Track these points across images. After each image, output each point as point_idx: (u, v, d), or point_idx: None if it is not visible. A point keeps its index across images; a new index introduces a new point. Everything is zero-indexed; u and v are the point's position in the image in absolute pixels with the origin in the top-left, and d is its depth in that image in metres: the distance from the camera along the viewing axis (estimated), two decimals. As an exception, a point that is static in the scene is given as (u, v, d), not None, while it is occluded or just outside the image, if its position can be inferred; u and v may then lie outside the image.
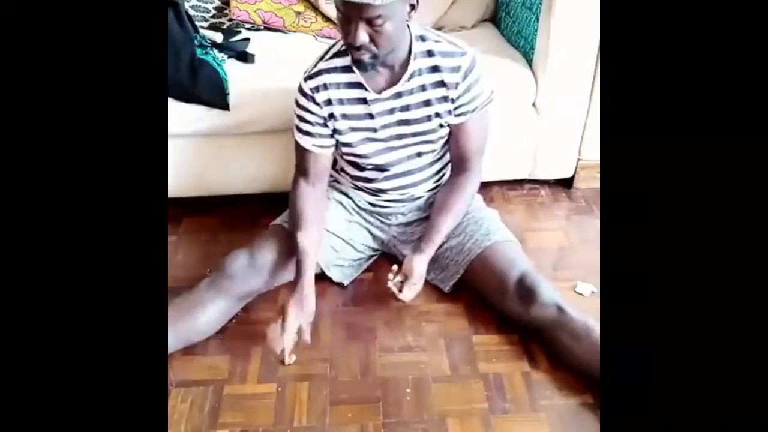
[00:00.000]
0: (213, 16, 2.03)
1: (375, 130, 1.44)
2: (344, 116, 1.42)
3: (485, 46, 1.91)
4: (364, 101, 1.41)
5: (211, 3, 2.01)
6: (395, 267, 1.46)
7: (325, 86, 1.40)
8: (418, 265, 1.44)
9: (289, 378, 1.38)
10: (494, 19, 2.16)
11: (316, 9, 2.02)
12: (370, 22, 1.23)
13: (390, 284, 1.44)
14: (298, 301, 1.36)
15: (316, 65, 1.42)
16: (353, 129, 1.44)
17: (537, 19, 1.80)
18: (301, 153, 1.49)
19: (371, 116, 1.43)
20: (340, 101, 1.41)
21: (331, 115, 1.42)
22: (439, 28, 2.09)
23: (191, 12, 1.96)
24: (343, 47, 1.38)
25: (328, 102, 1.41)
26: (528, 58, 1.88)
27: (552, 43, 1.74)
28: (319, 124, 1.44)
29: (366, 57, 1.29)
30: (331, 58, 1.41)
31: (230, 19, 2.00)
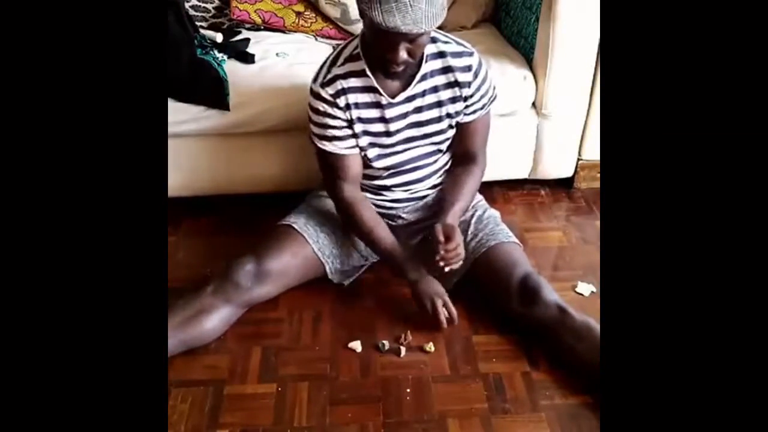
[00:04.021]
0: (213, 16, 2.03)
1: (388, 135, 1.44)
2: (360, 119, 1.42)
3: (485, 46, 1.91)
4: (378, 105, 1.41)
5: (211, 3, 2.01)
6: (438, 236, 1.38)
7: (344, 91, 1.39)
8: (452, 224, 1.41)
9: (289, 378, 1.38)
10: (494, 19, 2.16)
11: (316, 9, 2.02)
12: (411, 41, 1.24)
13: (440, 255, 1.38)
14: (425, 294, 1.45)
15: (329, 71, 1.40)
16: (366, 132, 1.44)
17: (537, 19, 1.80)
18: (333, 160, 1.45)
19: (385, 120, 1.42)
20: (357, 105, 1.40)
21: (351, 119, 1.41)
22: (440, 28, 2.08)
23: (191, 12, 1.96)
24: (356, 52, 1.38)
25: (348, 106, 1.40)
26: (528, 58, 1.88)
27: (552, 43, 1.74)
28: (344, 127, 1.42)
29: (401, 69, 1.31)
30: (343, 63, 1.39)
31: (230, 19, 2.00)
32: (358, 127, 1.42)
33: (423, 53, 1.37)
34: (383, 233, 1.48)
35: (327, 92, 1.39)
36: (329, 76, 1.39)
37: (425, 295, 1.44)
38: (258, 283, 1.46)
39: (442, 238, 1.37)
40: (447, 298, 1.45)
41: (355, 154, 1.46)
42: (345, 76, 1.39)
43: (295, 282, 1.55)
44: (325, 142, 1.43)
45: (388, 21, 1.17)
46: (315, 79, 1.42)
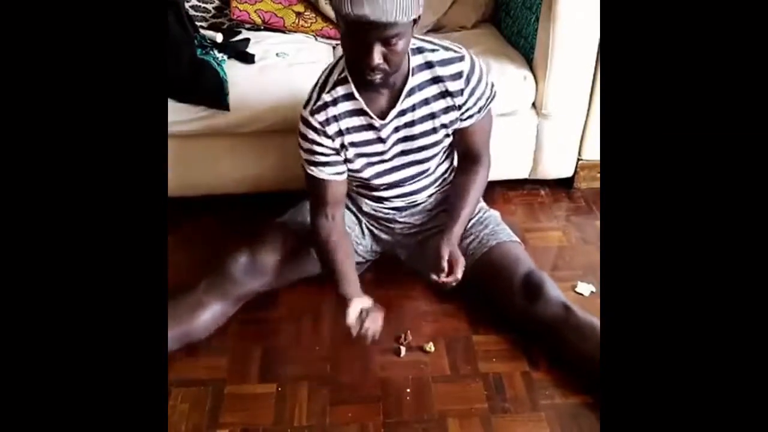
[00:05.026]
0: (213, 16, 2.03)
1: (385, 152, 1.43)
2: (352, 144, 1.40)
3: (485, 46, 1.91)
4: (371, 127, 1.39)
5: (211, 3, 2.01)
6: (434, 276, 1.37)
7: (336, 118, 1.36)
8: (452, 247, 1.39)
9: (289, 378, 1.38)
10: (494, 19, 2.16)
11: (316, 9, 2.02)
12: (386, 42, 1.19)
13: (434, 277, 1.36)
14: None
15: (320, 97, 1.37)
16: (361, 155, 1.42)
17: (537, 19, 1.80)
18: (319, 185, 1.43)
19: (382, 140, 1.41)
20: (348, 130, 1.38)
21: (342, 145, 1.40)
22: (440, 28, 2.09)
23: (191, 12, 1.96)
24: (342, 75, 1.36)
25: (339, 133, 1.38)
26: (528, 58, 1.88)
27: (552, 43, 1.74)
28: (333, 153, 1.40)
29: (378, 77, 1.26)
30: (333, 88, 1.37)
31: (230, 19, 2.00)
32: (351, 152, 1.41)
33: (408, 67, 1.34)
34: (350, 274, 1.41)
35: (316, 120, 1.37)
36: (319, 103, 1.36)
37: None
38: (251, 276, 1.45)
39: (445, 267, 1.36)
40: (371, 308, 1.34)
41: (341, 180, 1.44)
42: (336, 102, 1.36)
43: (290, 277, 1.55)
44: (312, 168, 1.41)
45: (356, 9, 1.12)
46: (305, 105, 1.39)
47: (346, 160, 1.42)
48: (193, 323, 1.40)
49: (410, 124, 1.40)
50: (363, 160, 1.43)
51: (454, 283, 1.38)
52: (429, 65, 1.36)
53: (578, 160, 1.98)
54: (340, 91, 1.36)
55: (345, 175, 1.45)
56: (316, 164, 1.41)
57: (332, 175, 1.42)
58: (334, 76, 1.38)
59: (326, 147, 1.39)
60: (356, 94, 1.35)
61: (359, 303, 1.32)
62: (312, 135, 1.38)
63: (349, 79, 1.35)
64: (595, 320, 1.34)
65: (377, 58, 1.20)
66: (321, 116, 1.37)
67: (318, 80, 1.41)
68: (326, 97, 1.37)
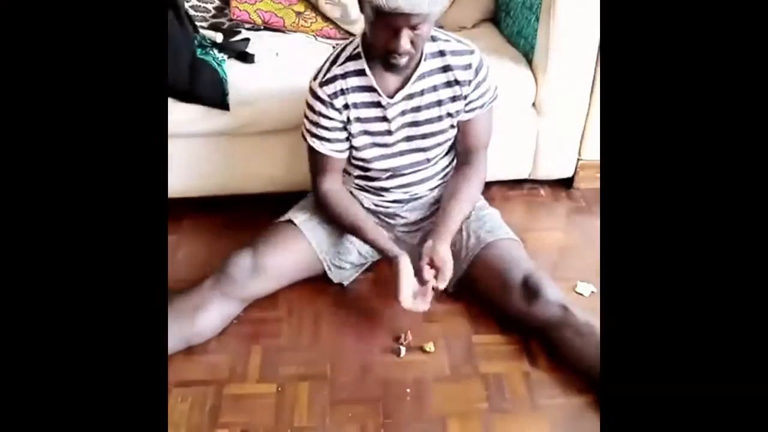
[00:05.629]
0: (213, 16, 2.03)
1: (389, 133, 1.44)
2: (358, 119, 1.41)
3: (485, 46, 1.90)
4: (378, 105, 1.41)
5: (211, 3, 2.01)
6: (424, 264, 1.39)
7: (343, 91, 1.38)
8: (443, 249, 1.39)
9: (289, 378, 1.38)
10: (494, 19, 2.16)
11: (316, 9, 2.02)
12: (413, 28, 1.22)
13: (427, 276, 1.38)
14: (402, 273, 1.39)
15: (329, 70, 1.39)
16: (365, 132, 1.43)
17: (537, 19, 1.80)
18: (318, 157, 1.47)
19: (386, 119, 1.42)
20: (355, 105, 1.40)
21: (348, 119, 1.41)
22: (439, 28, 2.09)
23: (191, 12, 1.96)
24: (356, 51, 1.38)
25: (346, 107, 1.40)
26: (528, 58, 1.87)
27: (552, 43, 1.74)
28: (337, 129, 1.42)
29: (404, 61, 1.29)
30: (344, 62, 1.39)
31: (230, 19, 2.00)
32: (356, 127, 1.42)
33: (423, 51, 1.36)
34: (363, 217, 1.48)
35: (324, 92, 1.39)
36: (329, 76, 1.39)
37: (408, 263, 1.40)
38: (254, 278, 1.45)
39: (425, 275, 1.38)
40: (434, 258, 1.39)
41: (341, 156, 1.47)
42: (345, 75, 1.38)
43: (293, 278, 1.55)
44: (314, 140, 1.45)
45: (391, 2, 1.16)
46: (315, 77, 1.41)
47: (350, 136, 1.43)
48: (196, 324, 1.40)
49: (417, 109, 1.42)
50: (367, 138, 1.44)
51: (441, 287, 1.39)
52: (441, 53, 1.39)
53: (578, 160, 1.98)
54: (351, 66, 1.39)
55: (345, 153, 1.47)
56: (319, 138, 1.44)
57: (333, 152, 1.45)
58: (347, 52, 1.40)
59: (332, 120, 1.41)
60: (367, 71, 1.38)
61: (408, 276, 1.38)
62: (319, 107, 1.40)
63: (362, 55, 1.37)
64: (594, 320, 1.34)
65: (405, 43, 1.24)
66: (329, 88, 1.39)
67: (330, 55, 1.43)
68: (336, 70, 1.39)
